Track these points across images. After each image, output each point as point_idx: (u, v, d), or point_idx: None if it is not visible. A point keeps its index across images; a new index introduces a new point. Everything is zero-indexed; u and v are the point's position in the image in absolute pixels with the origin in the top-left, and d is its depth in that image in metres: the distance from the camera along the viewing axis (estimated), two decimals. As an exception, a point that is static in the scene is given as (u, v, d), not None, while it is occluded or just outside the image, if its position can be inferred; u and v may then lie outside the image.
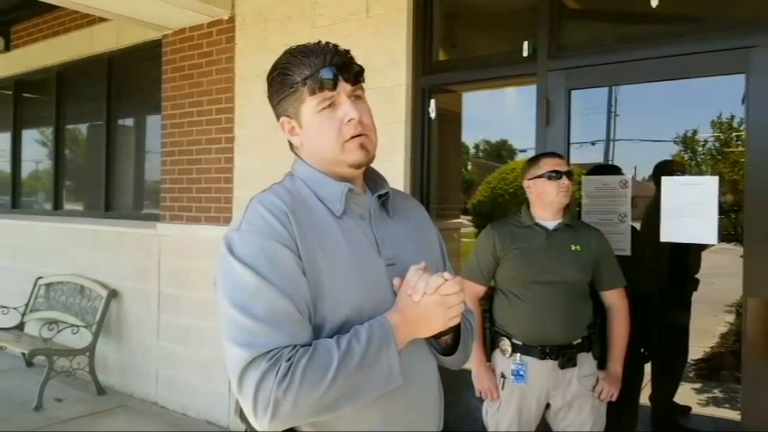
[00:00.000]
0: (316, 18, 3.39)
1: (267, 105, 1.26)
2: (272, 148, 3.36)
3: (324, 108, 1.15)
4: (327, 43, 1.18)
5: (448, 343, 1.23)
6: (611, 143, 6.00)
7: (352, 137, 1.16)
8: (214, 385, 3.85)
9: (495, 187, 7.15)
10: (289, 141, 1.26)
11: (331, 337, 1.05)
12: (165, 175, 4.27)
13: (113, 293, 4.55)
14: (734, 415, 2.34)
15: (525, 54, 2.77)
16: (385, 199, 1.25)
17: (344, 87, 1.16)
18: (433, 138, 3.15)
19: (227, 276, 1.07)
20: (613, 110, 5.78)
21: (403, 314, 1.10)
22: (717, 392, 4.20)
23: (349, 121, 1.15)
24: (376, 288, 1.13)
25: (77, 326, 4.52)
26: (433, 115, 3.09)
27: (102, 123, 4.99)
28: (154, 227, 4.27)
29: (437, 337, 1.18)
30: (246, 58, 3.73)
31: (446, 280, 1.09)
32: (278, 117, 1.24)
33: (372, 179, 1.28)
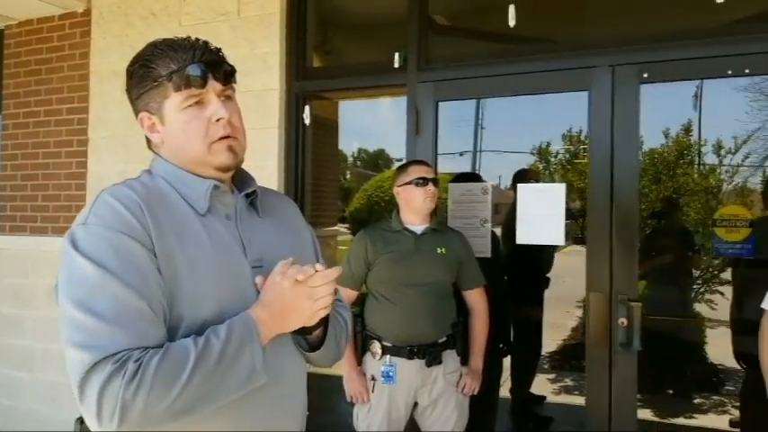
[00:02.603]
0: (182, 16, 3.24)
1: (127, 105, 1.18)
2: (133, 152, 3.14)
3: (190, 105, 1.10)
4: (198, 39, 1.13)
5: (319, 337, 1.20)
6: (479, 153, 6.38)
7: (221, 138, 1.11)
8: (64, 414, 3.49)
9: (371, 195, 7.30)
10: (147, 139, 1.18)
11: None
12: (4, 181, 3.83)
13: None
14: (582, 401, 2.57)
15: (396, 65, 2.86)
16: (253, 198, 1.21)
17: (214, 86, 1.11)
18: (308, 144, 3.14)
19: (68, 273, 0.98)
20: (480, 122, 6.15)
21: (268, 308, 1.06)
22: (568, 381, 4.60)
23: (217, 120, 1.10)
24: (240, 289, 1.09)
25: None
26: (307, 121, 3.08)
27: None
28: (-10, 239, 3.81)
29: (306, 332, 1.15)
30: (103, 55, 3.46)
31: (315, 271, 1.07)
32: (136, 112, 1.16)
33: (240, 178, 1.23)
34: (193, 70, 1.08)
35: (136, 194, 1.04)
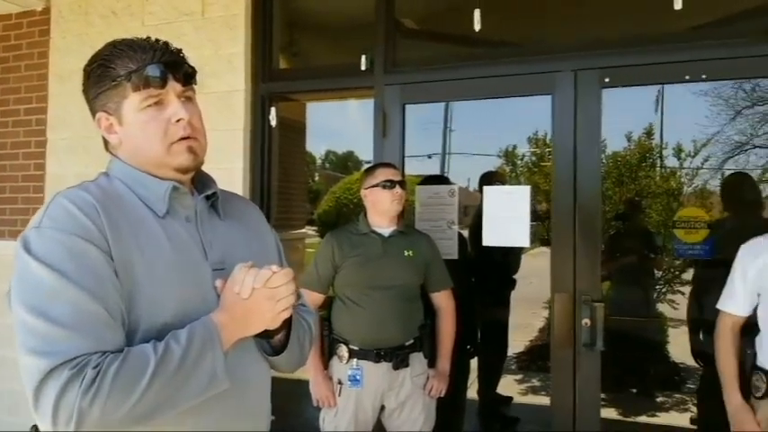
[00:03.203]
0: (145, 16, 3.18)
1: (87, 106, 1.15)
2: (94, 154, 3.02)
3: (149, 106, 1.08)
4: (158, 39, 1.12)
5: (281, 341, 1.18)
6: (447, 156, 6.44)
7: (181, 139, 1.10)
8: (20, 424, 3.38)
9: (340, 197, 7.28)
10: (104, 140, 1.16)
11: (147, 343, 0.97)
12: (-43, 183, 3.70)
13: None
14: (548, 401, 2.60)
15: (363, 67, 2.86)
16: (214, 200, 1.20)
17: (174, 87, 1.10)
18: (274, 146, 3.11)
19: (21, 278, 0.95)
20: (449, 125, 6.21)
21: (229, 312, 1.04)
22: (535, 381, 4.66)
23: (177, 121, 1.09)
24: (200, 292, 1.07)
25: None
26: (273, 123, 3.05)
27: None
28: (-59, 243, 3.66)
29: (268, 336, 1.13)
30: (63, 54, 3.37)
31: (274, 272, 1.05)
32: (93, 113, 1.14)
33: (200, 180, 1.21)
34: (153, 70, 1.07)
35: (92, 197, 1.02)
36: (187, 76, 1.12)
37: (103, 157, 1.20)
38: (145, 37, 1.12)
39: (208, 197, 1.18)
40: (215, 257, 1.12)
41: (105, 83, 1.09)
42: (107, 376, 0.89)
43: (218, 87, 2.96)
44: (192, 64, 1.15)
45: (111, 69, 1.08)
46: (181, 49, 1.14)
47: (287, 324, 1.16)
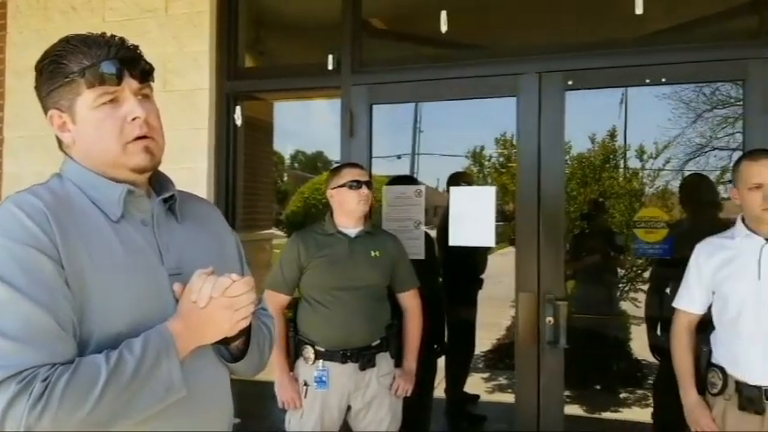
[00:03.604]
0: (106, 12, 3.10)
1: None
2: (53, 153, 2.93)
3: (104, 103, 1.05)
4: (113, 35, 1.09)
5: (239, 348, 1.17)
6: (417, 156, 6.46)
7: (137, 138, 1.07)
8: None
9: (308, 197, 7.24)
10: (57, 139, 1.13)
11: (100, 353, 0.95)
12: None
13: None
14: (512, 398, 2.63)
15: (330, 67, 2.84)
16: (172, 203, 1.17)
17: (130, 84, 1.07)
18: (240, 145, 3.07)
19: None
20: (419, 126, 6.24)
21: (185, 321, 1.03)
22: (502, 379, 4.71)
23: (134, 119, 1.06)
24: (156, 300, 1.05)
25: None
26: (238, 122, 3.01)
27: None
28: None
29: (227, 342, 1.12)
30: (20, 50, 3.27)
31: (234, 281, 1.04)
32: (46, 110, 1.10)
33: (158, 181, 1.19)
34: (107, 67, 1.04)
35: (42, 203, 0.99)
36: (144, 73, 1.10)
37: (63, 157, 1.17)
38: (100, 33, 1.09)
39: (165, 200, 1.16)
40: (171, 262, 1.10)
41: (58, 79, 1.06)
42: (56, 389, 0.88)
43: (182, 85, 2.91)
44: (149, 61, 1.13)
45: (63, 65, 1.05)
46: (137, 46, 1.12)
47: (246, 331, 1.14)
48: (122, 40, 1.09)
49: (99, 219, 1.05)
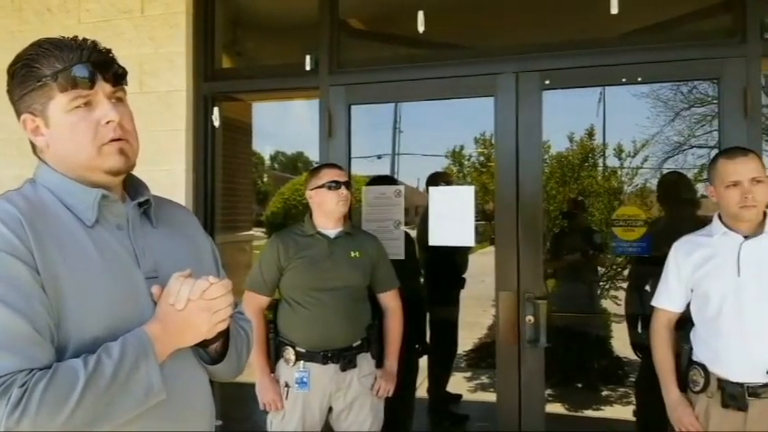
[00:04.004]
0: (81, 13, 3.06)
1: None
2: (30, 155, 2.92)
3: (77, 107, 1.05)
4: (85, 39, 1.09)
5: (218, 351, 1.18)
6: (397, 156, 6.46)
7: (111, 140, 1.07)
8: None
9: (288, 198, 7.19)
10: (31, 143, 1.12)
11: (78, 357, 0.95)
12: None
13: None
14: (494, 397, 2.63)
15: (308, 68, 2.83)
16: (147, 207, 1.17)
17: (103, 87, 1.07)
18: (218, 146, 3.04)
19: None
20: (399, 126, 6.23)
21: (163, 324, 1.03)
22: (484, 378, 4.72)
23: (107, 123, 1.07)
24: (133, 303, 1.05)
25: None
26: (216, 123, 2.98)
27: None
28: None
29: (205, 345, 1.13)
30: (-7, 51, 3.21)
31: (211, 284, 1.05)
32: (18, 114, 1.10)
33: (132, 186, 1.19)
34: (80, 71, 1.05)
35: (16, 209, 1.00)
36: (117, 76, 1.11)
37: (40, 160, 1.16)
38: (72, 36, 1.10)
39: (140, 204, 1.17)
40: (148, 266, 1.11)
41: (30, 83, 1.06)
42: (34, 394, 0.89)
43: (159, 87, 2.88)
44: (124, 62, 1.14)
45: (36, 69, 1.05)
46: (110, 49, 1.12)
47: (224, 334, 1.15)
48: (95, 43, 1.10)
49: (73, 224, 1.05)
